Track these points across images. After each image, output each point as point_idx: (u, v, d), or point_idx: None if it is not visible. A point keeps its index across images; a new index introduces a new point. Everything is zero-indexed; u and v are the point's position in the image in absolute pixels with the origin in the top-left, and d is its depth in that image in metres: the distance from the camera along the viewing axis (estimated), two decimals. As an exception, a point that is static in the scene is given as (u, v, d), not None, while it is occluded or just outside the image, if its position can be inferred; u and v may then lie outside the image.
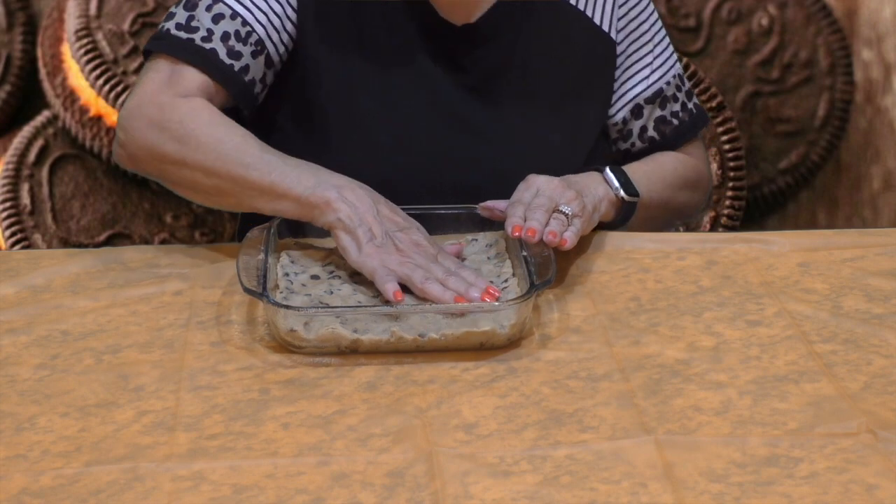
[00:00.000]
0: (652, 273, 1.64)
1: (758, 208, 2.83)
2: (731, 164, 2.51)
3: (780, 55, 2.78)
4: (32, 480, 1.26)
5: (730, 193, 2.50)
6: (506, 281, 1.55)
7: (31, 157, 2.57)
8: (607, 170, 1.71)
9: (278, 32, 1.72)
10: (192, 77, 1.67)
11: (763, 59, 2.77)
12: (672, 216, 1.87)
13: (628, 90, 1.83)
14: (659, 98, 1.84)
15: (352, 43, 1.73)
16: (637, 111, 1.83)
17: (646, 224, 1.76)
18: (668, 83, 1.84)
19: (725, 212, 2.48)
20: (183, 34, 1.69)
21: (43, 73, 2.63)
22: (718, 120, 2.49)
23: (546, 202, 1.58)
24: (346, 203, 1.55)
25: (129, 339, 1.50)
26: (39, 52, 2.64)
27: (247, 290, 1.48)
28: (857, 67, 2.81)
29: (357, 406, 1.37)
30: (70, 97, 2.56)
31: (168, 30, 1.70)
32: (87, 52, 2.54)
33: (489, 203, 1.65)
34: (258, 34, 1.70)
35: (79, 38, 2.55)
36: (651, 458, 1.28)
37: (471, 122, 1.74)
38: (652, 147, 1.86)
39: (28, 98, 2.69)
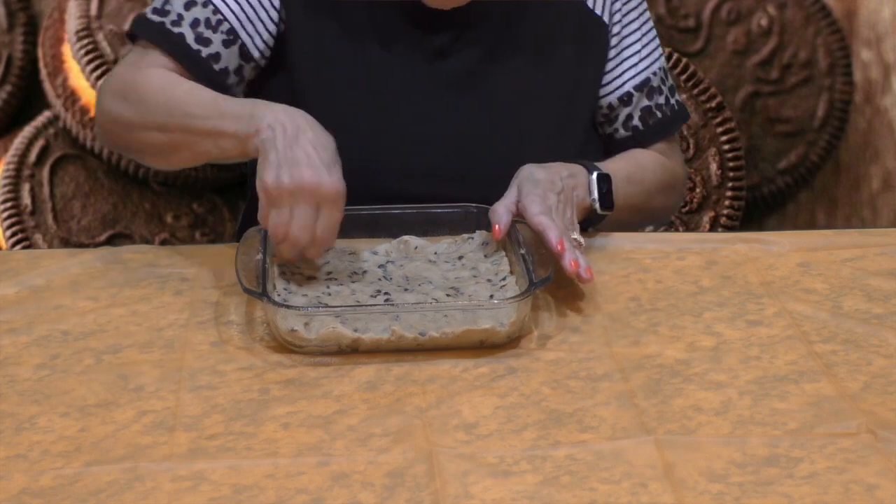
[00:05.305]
0: (652, 273, 1.64)
1: (757, 208, 2.83)
2: (731, 164, 2.51)
3: (779, 55, 2.78)
4: (32, 480, 1.26)
5: (729, 193, 2.50)
6: (504, 279, 1.55)
7: (32, 157, 2.57)
8: (593, 177, 1.68)
9: (253, 24, 1.73)
10: (157, 57, 1.70)
11: (762, 59, 2.77)
12: (645, 219, 1.88)
13: (619, 75, 1.82)
14: (647, 87, 1.83)
15: (338, 36, 1.74)
16: (627, 98, 1.83)
17: (616, 226, 1.75)
18: (654, 73, 1.84)
19: (725, 212, 2.48)
20: (156, 18, 1.72)
21: (44, 73, 2.63)
22: (718, 120, 2.49)
23: (573, 230, 1.60)
24: (272, 129, 1.54)
25: (129, 339, 1.50)
26: (40, 53, 2.64)
27: (246, 291, 1.48)
28: (856, 68, 2.81)
29: (357, 406, 1.37)
30: (71, 97, 2.56)
31: (145, 14, 1.74)
32: (87, 53, 2.54)
33: (501, 227, 1.60)
34: (230, 23, 1.72)
35: (80, 39, 2.55)
36: (651, 458, 1.28)
37: (456, 108, 1.74)
38: (634, 136, 1.84)
39: (29, 98, 2.69)
